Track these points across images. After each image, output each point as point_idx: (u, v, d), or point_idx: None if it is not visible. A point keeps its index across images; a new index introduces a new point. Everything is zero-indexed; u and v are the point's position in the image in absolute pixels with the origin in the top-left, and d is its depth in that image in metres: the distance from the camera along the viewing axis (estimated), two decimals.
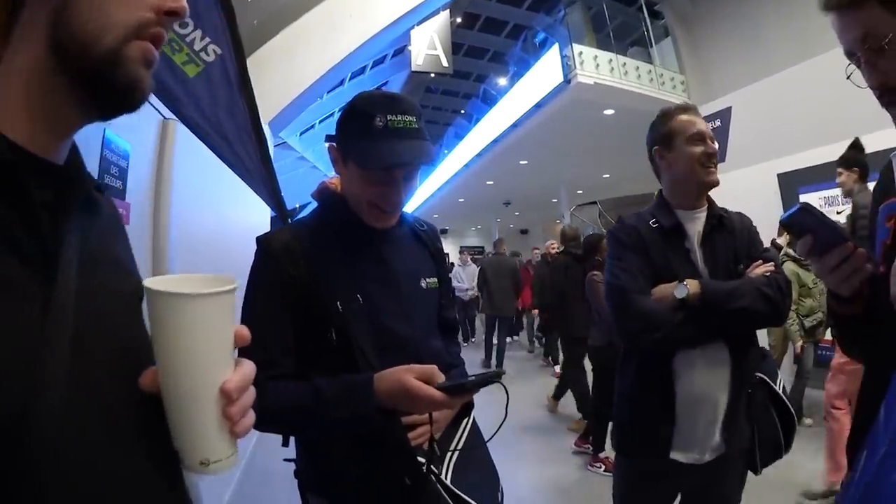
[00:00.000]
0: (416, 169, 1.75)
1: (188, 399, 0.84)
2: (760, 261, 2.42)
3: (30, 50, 0.82)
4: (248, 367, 0.94)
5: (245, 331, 0.95)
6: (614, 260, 2.53)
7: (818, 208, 1.45)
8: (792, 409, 2.47)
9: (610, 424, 5.86)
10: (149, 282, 0.83)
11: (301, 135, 19.69)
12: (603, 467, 5.67)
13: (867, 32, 1.37)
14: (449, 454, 1.78)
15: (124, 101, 0.88)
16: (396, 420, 1.65)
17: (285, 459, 1.96)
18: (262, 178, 3.23)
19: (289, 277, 1.70)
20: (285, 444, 1.93)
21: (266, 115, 8.16)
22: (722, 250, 2.46)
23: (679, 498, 2.62)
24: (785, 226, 1.50)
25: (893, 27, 1.34)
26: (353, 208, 1.81)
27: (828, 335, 6.79)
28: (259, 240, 1.80)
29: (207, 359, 0.85)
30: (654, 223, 2.51)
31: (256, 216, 7.19)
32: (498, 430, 1.74)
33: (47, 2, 0.82)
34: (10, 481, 0.66)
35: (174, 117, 3.20)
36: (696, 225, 2.50)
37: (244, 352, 1.12)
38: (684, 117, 2.52)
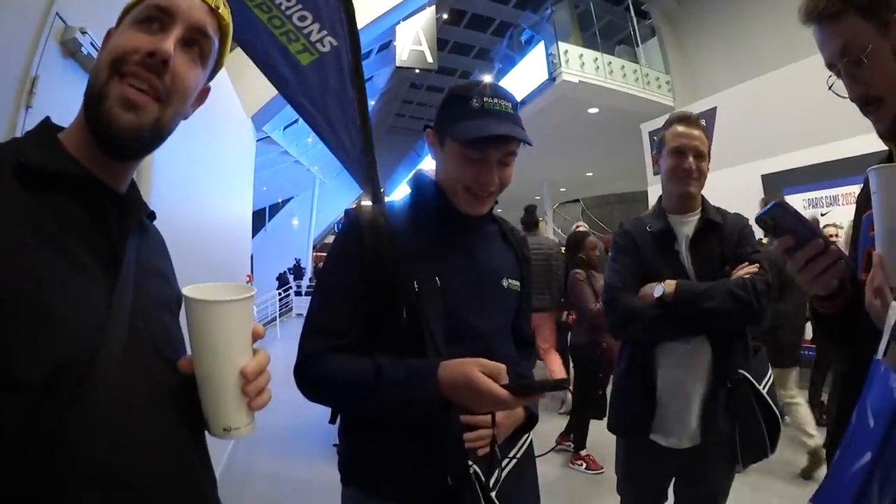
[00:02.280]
0: (510, 154, 1.71)
1: (216, 379, 1.08)
2: (746, 262, 2.50)
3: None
4: (264, 356, 1.15)
5: (260, 328, 1.16)
6: (611, 261, 2.80)
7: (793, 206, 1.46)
8: (776, 410, 2.48)
9: (591, 422, 5.91)
10: (187, 290, 1.07)
11: (285, 129, 19.65)
12: (584, 465, 5.65)
13: (847, 44, 1.38)
14: (500, 466, 1.74)
15: (108, 136, 1.06)
16: (454, 415, 1.60)
17: (334, 445, 1.91)
18: (361, 164, 3.37)
19: (371, 250, 1.68)
20: (332, 420, 1.87)
21: (249, 109, 8.13)
22: (710, 253, 2.58)
23: (673, 481, 2.76)
24: (760, 223, 1.50)
25: (872, 39, 1.35)
26: (447, 194, 1.78)
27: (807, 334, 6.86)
28: (347, 211, 1.81)
29: (231, 349, 1.08)
30: (648, 228, 2.66)
31: (238, 212, 7.17)
32: (552, 449, 1.71)
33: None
34: (69, 414, 0.88)
35: None
36: (686, 228, 2.63)
37: (311, 317, 1.72)
38: (676, 129, 2.62)
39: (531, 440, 1.92)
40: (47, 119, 1.12)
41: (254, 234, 12.78)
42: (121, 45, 1.07)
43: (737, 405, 2.47)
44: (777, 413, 2.49)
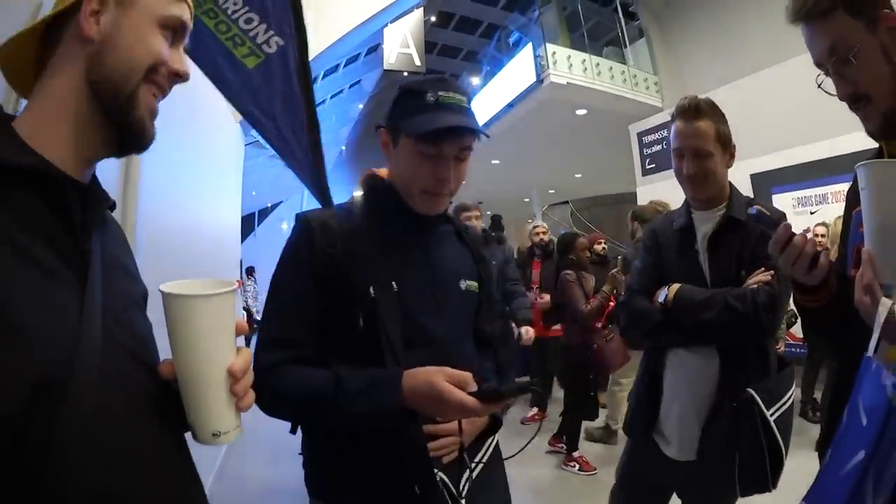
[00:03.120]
0: (466, 149, 1.70)
1: (201, 380, 1.03)
2: (763, 268, 2.28)
3: (67, 81, 1.04)
4: (248, 353, 1.12)
5: (244, 323, 1.12)
6: (637, 260, 2.67)
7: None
8: (781, 442, 2.24)
9: (584, 423, 5.91)
10: (165, 287, 1.02)
11: None
12: (577, 466, 5.67)
13: (835, 43, 1.38)
14: (468, 471, 1.73)
15: (136, 142, 1.11)
16: (417, 425, 1.58)
17: (300, 453, 1.88)
18: (309, 166, 3.29)
19: (323, 255, 1.65)
20: (293, 431, 1.87)
21: (237, 115, 8.11)
22: (728, 253, 2.39)
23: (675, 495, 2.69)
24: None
25: (861, 37, 1.35)
26: (401, 194, 1.76)
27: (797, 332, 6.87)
28: (298, 216, 1.76)
29: (216, 346, 1.04)
30: (674, 225, 2.54)
31: (226, 217, 7.15)
32: (524, 448, 1.72)
33: (85, 40, 1.04)
34: (51, 433, 0.84)
35: None
36: (706, 226, 2.45)
37: (265, 328, 1.66)
38: (675, 126, 2.42)
39: (497, 442, 1.91)
40: None
41: (243, 239, 12.76)
42: (157, 48, 1.09)
43: (740, 427, 2.25)
44: (781, 445, 2.24)
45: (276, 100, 3.05)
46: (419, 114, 1.63)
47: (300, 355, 1.61)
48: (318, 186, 3.33)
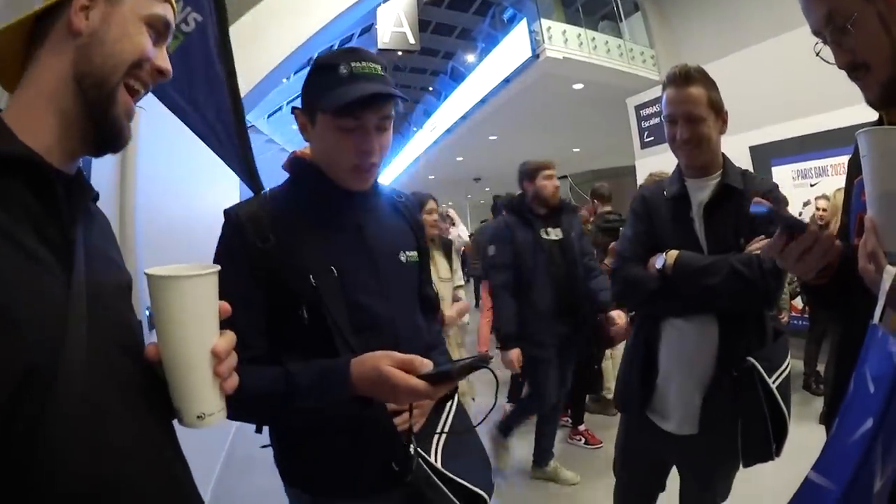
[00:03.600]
0: (386, 118, 1.65)
1: (186, 362, 1.05)
2: (763, 236, 2.14)
3: (55, 74, 1.05)
4: (231, 336, 1.14)
5: (227, 305, 1.14)
6: (626, 228, 2.63)
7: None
8: (784, 408, 2.25)
9: (587, 397, 5.91)
10: (150, 270, 1.03)
11: (269, 117, 19.54)
12: (583, 439, 5.68)
13: (831, 11, 1.36)
14: (436, 436, 1.73)
15: (112, 141, 1.12)
16: (379, 405, 1.57)
17: (262, 446, 1.88)
18: (234, 148, 3.11)
19: (257, 250, 1.61)
20: (258, 430, 1.82)
21: None
22: (725, 222, 2.35)
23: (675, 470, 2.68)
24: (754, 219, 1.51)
25: (858, 5, 1.33)
26: (327, 174, 1.71)
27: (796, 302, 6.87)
28: (226, 212, 1.71)
29: (200, 328, 1.06)
30: (665, 192, 2.49)
31: (226, 202, 7.13)
32: (487, 415, 1.70)
33: (74, 34, 1.05)
34: (39, 421, 0.85)
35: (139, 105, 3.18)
36: (702, 194, 2.41)
37: None
38: (666, 93, 2.39)
39: (459, 404, 1.89)
40: None
41: None
42: (143, 46, 1.11)
43: (741, 397, 2.25)
44: (785, 412, 2.26)
45: (198, 82, 2.84)
46: (334, 88, 1.58)
47: (249, 356, 1.51)
48: (246, 171, 3.19)
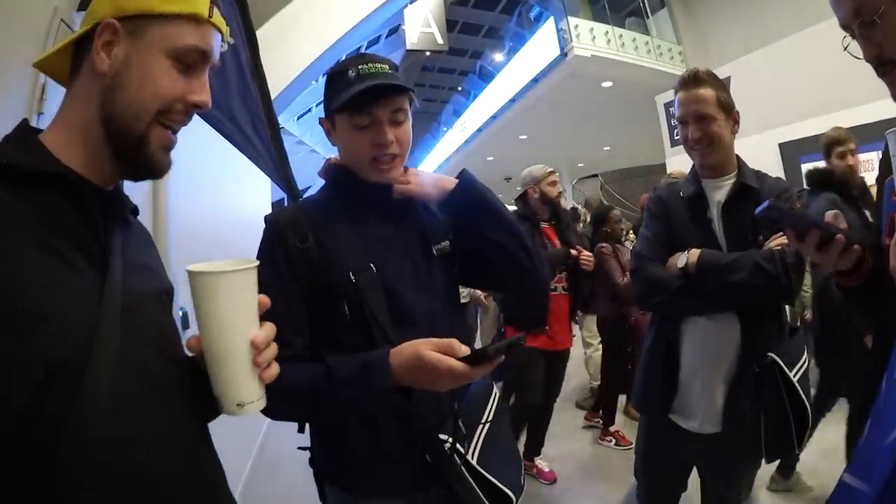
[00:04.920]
0: (400, 111, 1.70)
1: (226, 352, 1.09)
2: (780, 232, 2.22)
3: (83, 112, 1.08)
4: (271, 327, 1.17)
5: (266, 298, 1.17)
6: (642, 228, 2.63)
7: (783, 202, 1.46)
8: (806, 401, 2.27)
9: (621, 398, 5.89)
10: (191, 267, 1.07)
11: (298, 119, 19.65)
12: (614, 441, 5.64)
13: (859, 5, 1.35)
14: (480, 427, 1.76)
15: (148, 174, 1.14)
16: (416, 397, 1.57)
17: (300, 448, 1.92)
18: (272, 160, 3.24)
19: (297, 250, 1.66)
20: (301, 430, 1.86)
21: None
22: (743, 220, 2.36)
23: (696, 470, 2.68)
24: (762, 221, 1.50)
25: (885, 0, 1.32)
26: (357, 173, 1.76)
27: None
28: (266, 218, 1.75)
29: (239, 320, 1.10)
30: (682, 193, 2.51)
31: (256, 201, 7.17)
32: (503, 406, 1.70)
33: (100, 76, 1.06)
34: (68, 418, 0.87)
35: None
36: (719, 194, 2.44)
37: None
38: (678, 96, 2.44)
39: (499, 397, 1.91)
40: (25, 121, 1.11)
41: None
42: (166, 91, 1.09)
43: (764, 392, 2.27)
44: (807, 406, 2.27)
45: (234, 98, 2.99)
46: (344, 91, 1.64)
47: (289, 355, 1.56)
48: (285, 180, 3.32)
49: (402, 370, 1.47)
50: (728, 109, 2.37)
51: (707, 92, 2.36)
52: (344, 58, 1.88)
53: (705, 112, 2.35)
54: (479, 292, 6.84)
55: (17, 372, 0.86)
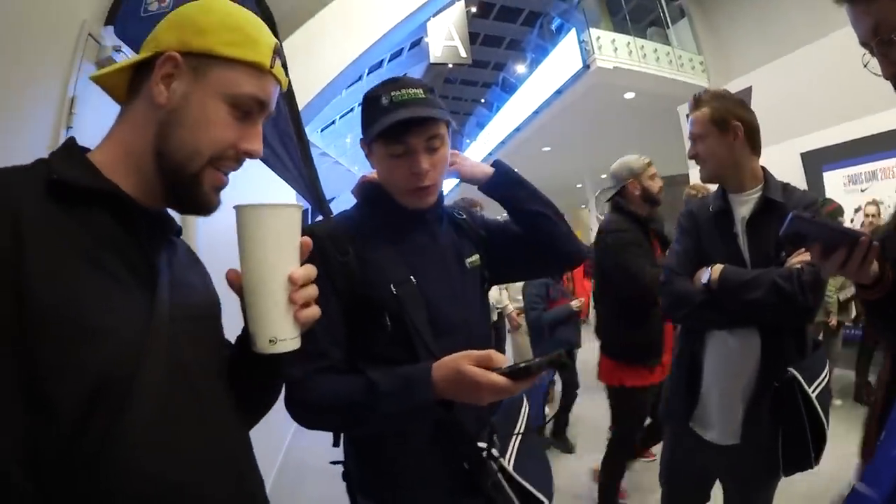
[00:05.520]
0: (435, 138, 1.71)
1: (265, 286, 1.12)
2: (803, 249, 2.24)
3: (137, 139, 1.11)
4: (311, 268, 1.18)
5: (308, 240, 1.19)
6: (674, 242, 2.69)
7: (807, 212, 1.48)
8: (823, 418, 2.27)
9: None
10: (239, 204, 1.11)
11: (322, 131, 19.75)
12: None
13: (878, 23, 1.37)
14: (514, 437, 1.78)
15: (196, 211, 1.17)
16: (454, 408, 1.56)
17: (332, 462, 1.93)
18: (302, 177, 3.25)
19: (337, 265, 1.67)
20: (336, 444, 1.86)
21: None
22: (767, 235, 2.39)
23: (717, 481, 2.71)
24: (787, 238, 1.52)
25: None
26: (393, 195, 1.79)
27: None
28: (303, 230, 1.76)
29: (279, 255, 1.13)
30: (710, 208, 2.56)
31: None
32: (549, 419, 1.72)
33: (157, 107, 1.08)
34: (115, 431, 0.90)
35: None
36: (744, 208, 2.48)
37: None
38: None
39: (528, 410, 1.94)
40: (73, 139, 1.13)
41: None
42: (220, 138, 1.12)
43: (782, 407, 2.29)
44: (824, 421, 2.28)
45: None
46: (379, 118, 1.66)
47: (327, 365, 1.62)
48: (314, 196, 3.34)
49: (443, 384, 1.48)
50: (721, 124, 2.43)
51: (701, 112, 2.49)
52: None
53: (695, 131, 2.51)
54: (510, 308, 6.66)
55: (67, 384, 0.88)
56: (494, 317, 5.78)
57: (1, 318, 0.86)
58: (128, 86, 1.15)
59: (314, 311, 1.18)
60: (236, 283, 1.14)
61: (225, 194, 1.21)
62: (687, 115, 2.55)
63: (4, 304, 0.86)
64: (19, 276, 0.87)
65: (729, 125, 2.43)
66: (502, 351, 3.07)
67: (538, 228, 1.95)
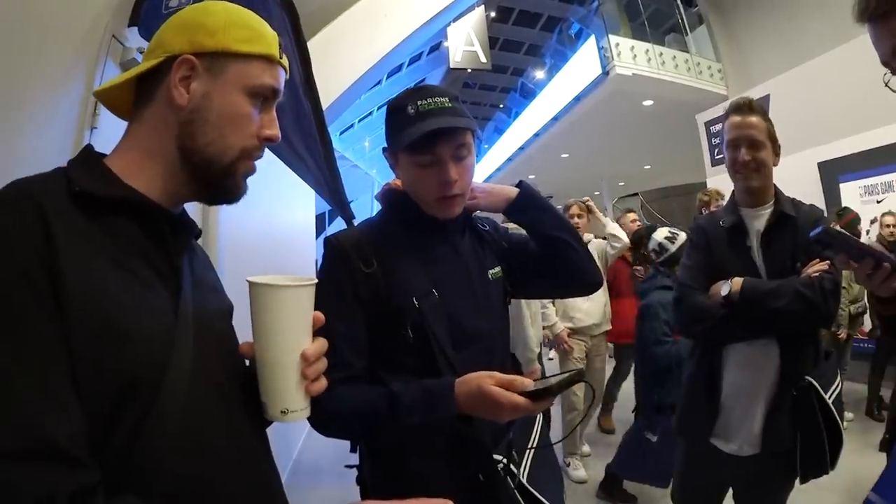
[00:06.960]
0: (462, 147, 1.69)
1: (278, 362, 1.14)
2: (817, 259, 2.36)
3: (158, 140, 1.13)
4: (322, 343, 1.21)
5: (321, 315, 1.21)
6: (684, 258, 2.76)
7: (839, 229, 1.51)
8: (840, 422, 2.36)
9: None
10: (252, 279, 1.12)
11: (341, 134, 19.81)
12: None
13: None
14: (528, 451, 1.80)
15: (226, 200, 1.22)
16: (479, 422, 1.58)
17: (347, 466, 1.93)
18: (325, 179, 3.22)
19: (361, 275, 1.66)
20: (353, 449, 1.89)
21: None
22: (782, 248, 2.47)
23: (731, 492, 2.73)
24: (816, 243, 1.55)
25: None
26: (420, 204, 1.77)
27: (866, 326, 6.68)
28: (328, 240, 1.75)
29: (292, 332, 1.15)
30: (722, 223, 2.59)
31: (300, 214, 7.24)
32: (571, 431, 1.72)
33: (177, 109, 1.11)
34: (143, 430, 0.93)
35: None
36: (758, 223, 2.53)
37: None
38: (730, 120, 2.53)
39: (541, 423, 1.96)
40: (89, 147, 1.14)
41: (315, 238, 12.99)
42: (248, 128, 1.17)
43: (800, 414, 2.37)
44: (841, 426, 2.37)
45: (287, 117, 2.92)
46: (405, 128, 1.65)
47: (349, 375, 1.61)
48: (338, 200, 3.31)
49: (465, 399, 1.50)
50: (773, 140, 2.48)
51: (759, 120, 2.47)
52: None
53: (757, 138, 2.45)
54: (560, 327, 5.53)
55: (97, 386, 0.90)
56: (540, 335, 5.00)
57: (50, 318, 0.88)
58: (134, 94, 1.18)
59: (322, 385, 1.21)
60: (249, 354, 1.19)
61: (248, 194, 1.24)
62: (726, 115, 2.55)
63: (46, 304, 0.88)
64: (55, 280, 0.89)
65: (776, 142, 2.50)
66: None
67: (559, 254, 1.95)
